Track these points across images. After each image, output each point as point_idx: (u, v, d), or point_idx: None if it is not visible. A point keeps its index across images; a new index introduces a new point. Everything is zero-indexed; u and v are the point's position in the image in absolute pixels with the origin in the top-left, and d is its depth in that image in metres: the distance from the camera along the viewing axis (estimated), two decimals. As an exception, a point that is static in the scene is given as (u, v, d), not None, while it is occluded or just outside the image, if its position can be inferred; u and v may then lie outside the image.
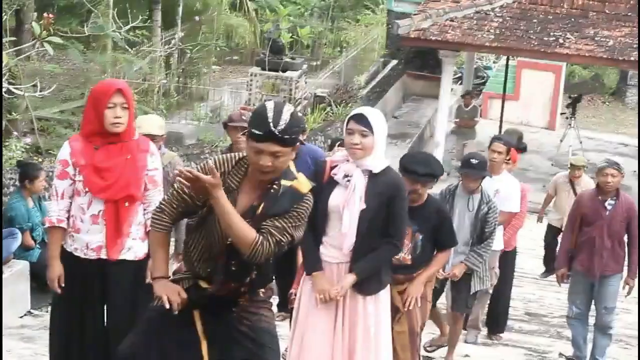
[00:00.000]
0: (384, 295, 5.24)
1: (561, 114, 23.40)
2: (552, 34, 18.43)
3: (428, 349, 7.74)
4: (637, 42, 17.71)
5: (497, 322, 9.08)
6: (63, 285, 5.12)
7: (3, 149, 11.36)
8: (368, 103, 19.30)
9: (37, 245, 8.90)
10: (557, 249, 8.72)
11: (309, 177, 4.30)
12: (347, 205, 4.99)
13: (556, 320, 10.33)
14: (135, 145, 5.20)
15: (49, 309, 5.92)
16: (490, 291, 8.27)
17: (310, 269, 5.13)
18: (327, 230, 5.10)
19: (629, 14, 18.66)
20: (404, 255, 5.85)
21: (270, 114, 3.91)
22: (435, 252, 6.03)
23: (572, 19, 18.84)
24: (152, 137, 6.11)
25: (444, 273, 6.92)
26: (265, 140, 3.91)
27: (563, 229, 11.80)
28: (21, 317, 8.37)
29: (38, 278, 8.46)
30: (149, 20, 18.06)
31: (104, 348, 5.17)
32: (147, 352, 4.18)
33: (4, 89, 9.68)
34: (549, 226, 12.32)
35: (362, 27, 29.43)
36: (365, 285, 5.11)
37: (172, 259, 6.43)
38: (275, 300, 7.30)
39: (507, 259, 8.52)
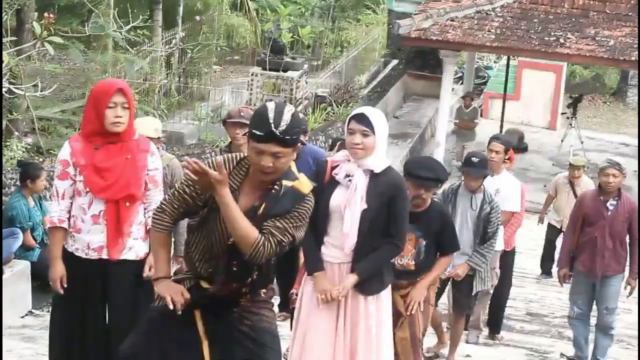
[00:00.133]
0: (386, 295, 5.24)
1: (562, 113, 23.40)
2: (552, 33, 18.43)
3: (425, 354, 7.73)
4: (637, 42, 17.70)
5: (494, 322, 9.07)
6: (65, 285, 5.11)
7: (4, 148, 11.35)
8: (369, 103, 19.30)
9: (37, 245, 8.90)
10: (559, 249, 8.69)
11: (310, 177, 4.30)
12: (349, 205, 4.98)
13: (557, 320, 10.33)
14: (135, 145, 5.20)
15: (50, 309, 5.91)
16: (491, 291, 8.27)
17: (311, 269, 5.13)
18: (328, 230, 5.09)
19: (630, 13, 18.66)
20: (408, 261, 5.86)
21: (271, 115, 3.91)
22: (437, 257, 6.03)
23: (573, 19, 18.84)
24: None
25: (446, 273, 6.91)
26: (266, 140, 3.91)
27: (564, 230, 11.83)
28: (22, 317, 8.37)
29: (39, 278, 8.47)
30: (149, 20, 18.05)
31: (105, 348, 5.17)
32: (148, 352, 4.18)
33: (4, 89, 9.68)
34: (549, 226, 12.31)
35: (363, 27, 29.42)
36: (366, 286, 5.10)
37: (171, 261, 6.42)
38: (276, 300, 7.30)
39: (507, 258, 8.51)
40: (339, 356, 5.08)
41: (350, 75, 21.72)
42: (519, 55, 21.23)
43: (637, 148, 19.47)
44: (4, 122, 12.49)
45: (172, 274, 4.32)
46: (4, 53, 8.74)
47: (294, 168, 4.12)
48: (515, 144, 20.88)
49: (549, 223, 12.29)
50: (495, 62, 28.77)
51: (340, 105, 18.80)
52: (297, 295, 5.38)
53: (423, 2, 20.15)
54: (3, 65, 8.86)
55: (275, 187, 4.05)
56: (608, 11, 18.90)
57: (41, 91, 10.13)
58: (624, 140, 24.00)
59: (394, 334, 5.59)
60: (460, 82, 24.48)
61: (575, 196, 11.64)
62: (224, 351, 4.21)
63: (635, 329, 8.96)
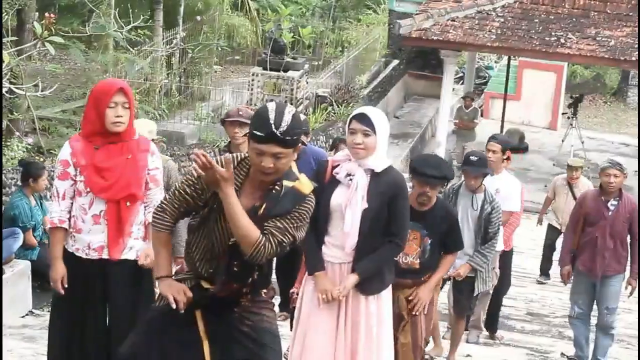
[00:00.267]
0: (386, 295, 5.24)
1: (563, 114, 23.40)
2: (553, 33, 18.43)
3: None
4: (638, 42, 17.70)
5: (491, 322, 9.07)
6: (66, 285, 5.11)
7: (5, 148, 11.36)
8: (369, 103, 19.30)
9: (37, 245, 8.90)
10: (559, 250, 8.68)
11: (311, 178, 4.29)
12: (350, 204, 4.99)
13: (558, 320, 10.33)
14: (135, 145, 5.20)
15: (50, 309, 5.91)
16: (491, 291, 8.27)
17: (312, 269, 5.13)
18: (329, 229, 5.09)
19: (631, 13, 18.67)
20: (412, 260, 5.85)
21: (271, 116, 3.91)
22: (441, 255, 6.03)
23: (574, 19, 18.85)
24: None
25: (448, 273, 6.89)
26: (267, 141, 3.91)
27: (564, 231, 11.82)
28: (22, 316, 8.37)
29: (38, 276, 8.46)
30: (150, 20, 18.04)
31: (105, 348, 5.17)
32: (148, 352, 4.18)
33: (5, 89, 9.68)
34: (550, 227, 12.28)
35: (363, 27, 29.44)
36: (367, 285, 5.10)
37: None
38: (277, 300, 7.30)
39: (505, 258, 8.51)
40: (340, 356, 5.08)
41: (350, 75, 21.72)
42: (520, 55, 21.23)
43: (637, 148, 19.47)
44: (5, 122, 12.49)
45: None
46: (5, 53, 8.74)
47: (294, 168, 4.12)
48: (516, 144, 20.97)
49: (549, 224, 12.27)
50: (496, 62, 28.77)
51: (341, 105, 18.80)
52: (297, 294, 5.38)
53: (424, 2, 20.15)
54: (4, 65, 8.86)
55: (276, 187, 4.05)
56: (609, 11, 18.90)
57: (42, 91, 10.12)
58: (624, 140, 24.00)
59: (397, 337, 5.59)
60: (461, 82, 24.48)
61: (574, 198, 11.63)
62: (224, 351, 4.21)
63: (636, 329, 8.96)
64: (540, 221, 12.46)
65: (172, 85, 19.02)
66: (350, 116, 5.09)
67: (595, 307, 8.17)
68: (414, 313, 5.80)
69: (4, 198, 9.55)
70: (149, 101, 17.15)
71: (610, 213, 7.84)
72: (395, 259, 5.43)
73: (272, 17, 20.14)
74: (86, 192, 5.08)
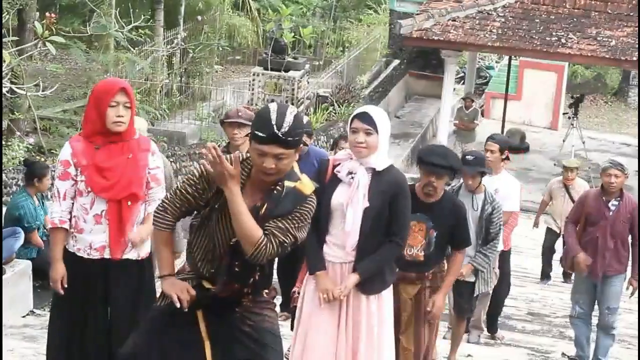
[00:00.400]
0: (387, 294, 5.23)
1: (563, 114, 23.40)
2: (554, 33, 18.44)
3: None
4: (638, 42, 17.70)
5: (492, 322, 9.06)
6: (66, 286, 5.11)
7: (6, 148, 11.36)
8: (370, 103, 19.30)
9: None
10: (565, 244, 8.60)
11: (313, 178, 4.29)
12: (351, 203, 4.98)
13: (559, 320, 10.33)
14: (136, 145, 5.19)
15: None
16: (491, 292, 8.26)
17: (313, 269, 5.13)
18: (330, 228, 5.09)
19: (631, 13, 18.68)
20: (417, 252, 5.79)
21: (273, 116, 3.91)
22: (449, 253, 6.00)
23: (575, 19, 18.85)
24: None
25: None
26: (268, 142, 3.91)
27: (563, 227, 11.79)
28: (23, 316, 8.37)
29: (39, 274, 8.44)
30: (151, 20, 18.04)
31: (106, 348, 5.16)
32: (149, 352, 4.18)
33: (6, 89, 9.69)
34: (548, 230, 12.23)
35: (364, 27, 29.47)
36: (368, 285, 5.10)
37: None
38: (278, 300, 7.29)
39: (503, 258, 8.50)
40: (341, 355, 5.08)
41: (351, 75, 21.73)
42: (521, 55, 21.25)
43: (637, 148, 19.47)
44: (6, 122, 12.50)
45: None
46: (6, 53, 8.75)
47: (296, 169, 4.12)
48: (517, 144, 20.98)
49: (547, 228, 12.20)
50: (496, 62, 28.79)
51: (342, 105, 18.80)
52: (298, 293, 5.38)
53: (425, 2, 20.16)
54: (5, 65, 8.87)
55: (278, 187, 4.05)
56: (609, 11, 18.91)
57: (43, 91, 10.14)
58: (625, 141, 24.01)
59: (398, 337, 5.58)
60: (462, 82, 24.48)
61: (572, 199, 11.61)
62: (225, 351, 4.21)
63: (637, 329, 8.95)
64: (536, 225, 12.34)
65: (173, 85, 19.04)
66: (352, 115, 5.09)
67: (596, 307, 8.17)
68: (429, 320, 5.80)
69: (5, 198, 9.54)
70: (149, 101, 17.16)
71: (611, 213, 7.83)
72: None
73: (273, 17, 20.12)
74: (87, 191, 5.08)
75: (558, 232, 11.94)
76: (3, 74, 9.33)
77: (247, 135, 4.10)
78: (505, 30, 18.57)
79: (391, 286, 5.27)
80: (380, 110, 5.12)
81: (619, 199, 7.85)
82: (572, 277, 8.25)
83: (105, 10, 16.14)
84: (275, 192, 4.05)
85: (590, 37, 18.34)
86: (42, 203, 8.98)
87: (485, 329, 8.95)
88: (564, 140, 20.35)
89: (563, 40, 18.23)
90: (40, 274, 8.40)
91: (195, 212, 4.22)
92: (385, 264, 5.16)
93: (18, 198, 8.90)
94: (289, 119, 3.92)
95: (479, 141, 18.00)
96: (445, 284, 5.95)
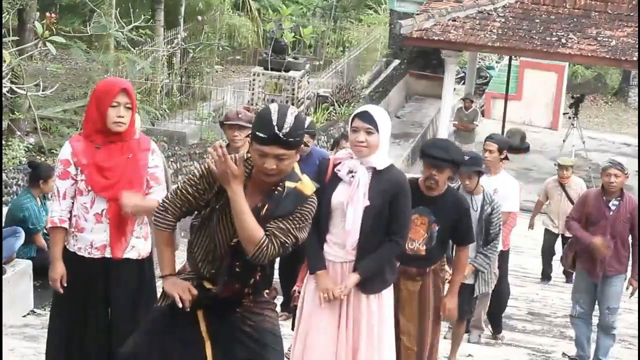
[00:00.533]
0: (388, 293, 5.23)
1: (564, 114, 23.41)
2: (554, 34, 18.44)
3: None
4: (638, 42, 17.70)
5: (496, 322, 9.06)
6: (65, 285, 5.11)
7: (6, 148, 11.37)
8: (371, 103, 19.28)
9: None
10: (562, 248, 8.61)
11: (314, 178, 4.29)
12: (351, 202, 4.99)
13: (559, 320, 10.33)
14: (136, 144, 5.19)
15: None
16: (490, 291, 8.24)
17: (313, 268, 5.13)
18: (330, 227, 5.09)
19: (631, 14, 18.68)
20: (419, 246, 5.77)
21: (274, 117, 3.91)
22: (452, 251, 5.99)
23: (575, 19, 18.85)
24: None
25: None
26: (269, 143, 3.91)
27: (562, 233, 11.77)
28: (24, 316, 8.37)
29: (39, 273, 8.43)
30: (151, 20, 18.05)
31: (106, 348, 5.16)
32: (150, 352, 4.18)
33: (6, 89, 9.69)
34: (547, 231, 12.21)
35: (364, 27, 29.47)
36: (368, 284, 5.10)
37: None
38: (279, 300, 7.29)
39: (502, 258, 8.49)
40: (341, 355, 5.08)
41: (352, 75, 21.73)
42: (521, 56, 21.25)
43: (637, 148, 19.47)
44: (6, 122, 12.50)
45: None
46: (6, 52, 8.75)
47: (297, 169, 4.12)
48: (517, 144, 20.99)
49: (545, 229, 12.18)
50: (497, 62, 28.79)
51: (342, 105, 18.81)
52: (299, 292, 5.38)
53: (425, 2, 20.16)
54: (5, 64, 8.87)
55: (278, 188, 4.05)
56: (610, 11, 18.91)
57: (43, 91, 10.13)
58: (625, 141, 24.02)
59: (400, 338, 5.58)
60: (462, 82, 24.48)
61: (568, 197, 11.62)
62: (226, 351, 4.21)
63: (637, 329, 8.95)
64: (531, 225, 12.27)
65: (173, 85, 19.04)
66: (353, 114, 5.10)
67: (596, 307, 8.16)
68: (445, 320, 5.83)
69: (6, 198, 9.54)
70: (150, 101, 17.17)
71: (611, 213, 7.83)
72: None
73: (273, 17, 20.14)
74: (87, 190, 5.08)
75: (556, 232, 11.94)
76: (3, 73, 9.33)
77: (247, 136, 4.09)
78: (506, 30, 18.58)
79: (392, 285, 5.28)
80: (381, 110, 5.12)
81: (619, 198, 7.85)
82: (573, 275, 8.23)
83: (106, 10, 16.13)
84: (276, 192, 4.05)
85: (590, 37, 18.34)
86: (43, 203, 8.98)
87: (486, 329, 8.95)
88: (564, 141, 20.34)
89: (563, 41, 18.23)
90: (40, 272, 8.40)
91: (196, 212, 4.22)
92: (386, 263, 5.16)
93: (22, 199, 8.87)
94: (289, 120, 3.92)
95: (480, 141, 18.02)
96: (453, 283, 5.97)
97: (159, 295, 4.42)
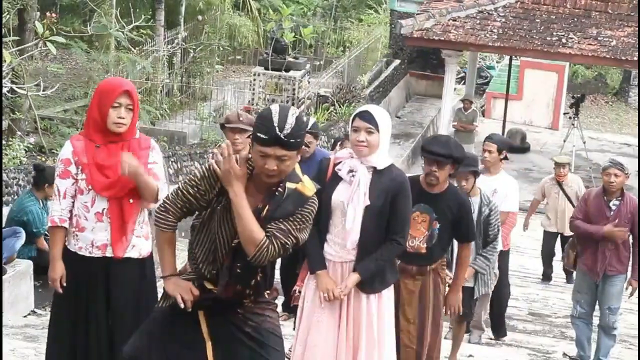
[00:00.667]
0: (388, 294, 5.23)
1: (564, 113, 23.40)
2: (555, 33, 18.43)
3: None
4: (638, 42, 17.70)
5: (499, 326, 9.03)
6: (65, 285, 5.10)
7: (7, 148, 11.36)
8: (371, 103, 19.28)
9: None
10: (563, 245, 8.58)
11: (315, 178, 4.29)
12: (352, 201, 4.99)
13: (560, 320, 10.33)
14: (137, 144, 5.19)
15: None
16: (490, 292, 8.23)
17: (314, 268, 5.13)
18: (330, 227, 5.09)
19: (632, 13, 18.68)
20: (419, 244, 5.75)
21: (275, 118, 3.91)
22: (451, 254, 5.98)
23: (575, 19, 18.85)
24: None
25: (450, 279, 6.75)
26: (271, 144, 3.91)
27: (560, 232, 11.75)
28: (25, 316, 8.36)
29: (39, 270, 8.42)
30: (152, 20, 18.05)
31: (108, 347, 5.16)
32: (151, 353, 4.18)
33: (7, 89, 9.69)
34: (546, 233, 12.19)
35: (365, 27, 29.44)
36: (369, 284, 5.10)
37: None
38: (280, 300, 7.28)
39: (502, 258, 8.48)
40: (342, 354, 5.08)
41: (352, 75, 21.71)
42: (521, 55, 21.23)
43: (637, 148, 19.46)
44: (7, 122, 12.50)
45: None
46: (7, 52, 8.75)
47: (298, 170, 4.12)
48: (518, 144, 20.98)
49: (544, 231, 12.17)
50: (497, 62, 28.77)
51: (343, 105, 18.80)
52: (299, 292, 5.38)
53: (425, 2, 20.15)
54: (6, 64, 8.87)
55: (279, 189, 4.05)
56: (610, 11, 18.90)
57: (43, 91, 10.14)
58: (626, 140, 24.00)
59: (399, 337, 5.57)
60: (463, 82, 24.47)
61: (566, 196, 11.62)
62: (227, 352, 4.21)
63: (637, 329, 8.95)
64: (526, 225, 12.21)
65: (174, 85, 19.03)
66: (354, 114, 5.10)
67: (597, 307, 8.16)
68: (448, 315, 5.81)
69: (7, 197, 9.53)
70: (150, 101, 17.15)
71: (611, 213, 7.83)
72: None
73: (274, 16, 20.09)
74: (88, 189, 5.07)
75: (554, 231, 11.92)
76: (4, 73, 9.34)
77: (248, 137, 4.09)
78: (506, 30, 18.57)
79: (392, 285, 5.27)
80: (381, 109, 5.13)
81: (620, 198, 7.85)
82: (574, 275, 8.22)
83: (106, 10, 16.12)
84: (276, 193, 4.05)
85: (591, 37, 18.33)
86: (45, 204, 8.97)
87: (487, 329, 8.95)
88: (564, 140, 20.32)
89: (564, 40, 18.23)
90: (41, 272, 8.40)
91: (197, 212, 4.22)
92: (386, 263, 5.16)
93: (25, 202, 8.83)
94: (290, 121, 3.91)
95: (480, 141, 18.00)
96: (456, 279, 5.99)
97: (159, 295, 4.42)
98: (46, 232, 8.72)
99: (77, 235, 5.12)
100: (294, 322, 5.57)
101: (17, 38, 12.33)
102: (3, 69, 9.05)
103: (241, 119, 6.73)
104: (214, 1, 21.59)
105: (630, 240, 7.93)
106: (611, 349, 8.25)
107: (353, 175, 5.03)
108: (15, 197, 9.96)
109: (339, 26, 29.31)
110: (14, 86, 9.98)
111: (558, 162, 11.83)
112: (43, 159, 11.88)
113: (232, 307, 4.21)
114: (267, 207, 4.04)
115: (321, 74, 21.05)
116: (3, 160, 10.69)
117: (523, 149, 21.49)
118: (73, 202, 5.11)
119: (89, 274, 5.12)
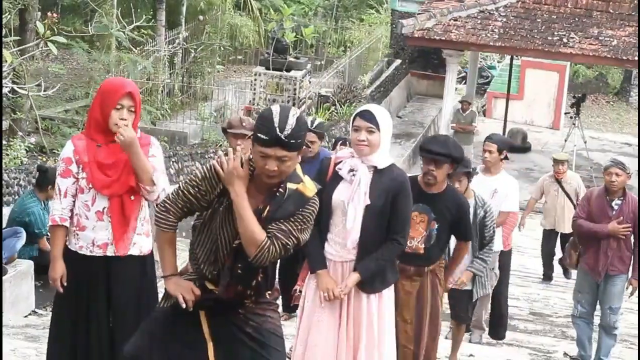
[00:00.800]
0: (388, 293, 5.23)
1: (565, 113, 23.39)
2: (556, 33, 18.43)
3: None
4: (638, 42, 17.70)
5: (500, 329, 8.99)
6: (65, 284, 5.11)
7: (8, 148, 11.36)
8: (372, 102, 19.26)
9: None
10: (566, 243, 8.55)
11: (315, 178, 4.28)
12: (352, 200, 4.99)
13: (561, 320, 10.32)
14: (137, 142, 5.19)
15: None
16: (490, 292, 8.22)
17: (314, 268, 5.13)
18: (331, 226, 5.09)
19: (633, 13, 18.67)
20: (417, 244, 5.74)
21: (276, 119, 3.91)
22: (448, 256, 6.00)
23: (576, 19, 18.85)
24: None
25: (450, 285, 6.70)
26: (271, 145, 3.91)
27: (559, 230, 11.75)
28: (25, 316, 8.37)
29: (39, 270, 8.42)
30: (153, 20, 18.06)
31: (109, 346, 5.16)
32: (151, 353, 4.18)
33: (8, 89, 9.70)
34: (545, 232, 12.17)
35: (366, 27, 29.44)
36: (369, 284, 5.10)
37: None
38: (280, 300, 7.29)
39: (504, 258, 8.47)
40: (342, 354, 5.08)
41: (353, 75, 21.71)
42: (522, 55, 21.23)
43: (638, 148, 19.46)
44: (8, 122, 12.51)
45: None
46: (7, 52, 8.75)
47: (299, 170, 4.12)
48: (519, 144, 20.97)
49: (544, 230, 12.15)
50: (498, 61, 28.76)
51: (344, 105, 18.80)
52: (300, 292, 5.38)
53: (426, 2, 20.15)
54: (7, 65, 8.87)
55: (280, 189, 4.05)
56: (611, 11, 18.90)
57: (44, 91, 10.14)
58: (627, 140, 24.00)
59: (397, 337, 5.57)
60: (464, 81, 24.46)
61: (566, 193, 11.60)
62: (228, 352, 4.21)
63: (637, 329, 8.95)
64: (522, 224, 12.14)
65: (175, 85, 19.04)
66: (354, 113, 5.10)
67: (598, 306, 8.16)
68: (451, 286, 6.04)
69: (8, 198, 9.52)
70: (151, 101, 17.16)
71: (613, 213, 7.83)
72: None
73: (275, 16, 20.09)
74: (88, 188, 5.08)
75: (554, 229, 11.90)
76: (5, 73, 9.34)
77: (249, 138, 4.09)
78: (507, 29, 18.57)
79: (392, 285, 5.27)
80: (382, 109, 5.13)
81: (622, 198, 7.84)
82: (574, 274, 8.21)
83: (107, 10, 16.13)
84: (277, 194, 4.05)
85: (592, 36, 18.33)
86: (46, 205, 8.97)
87: (487, 329, 8.94)
88: (565, 140, 20.31)
89: (565, 40, 18.23)
90: (42, 272, 8.40)
91: (198, 213, 4.22)
92: (386, 263, 5.16)
93: (27, 203, 8.82)
94: (291, 122, 3.91)
95: (480, 142, 17.98)
96: (449, 270, 6.11)
97: (160, 294, 4.42)
98: (48, 233, 8.74)
99: (77, 235, 5.12)
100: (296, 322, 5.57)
101: (18, 38, 12.33)
102: (4, 69, 9.05)
103: (244, 124, 6.70)
104: (215, 1, 21.60)
105: (632, 240, 7.93)
106: (612, 349, 8.25)
107: (354, 175, 5.03)
108: (16, 197, 9.96)
109: (340, 26, 29.31)
110: (15, 86, 9.98)
111: (557, 159, 11.81)
112: (44, 159, 11.89)
113: (233, 308, 4.21)
114: (268, 208, 4.04)
115: (322, 73, 21.05)
116: (4, 161, 10.70)
117: (524, 148, 21.48)
118: (74, 201, 5.12)
119: (90, 273, 5.12)
